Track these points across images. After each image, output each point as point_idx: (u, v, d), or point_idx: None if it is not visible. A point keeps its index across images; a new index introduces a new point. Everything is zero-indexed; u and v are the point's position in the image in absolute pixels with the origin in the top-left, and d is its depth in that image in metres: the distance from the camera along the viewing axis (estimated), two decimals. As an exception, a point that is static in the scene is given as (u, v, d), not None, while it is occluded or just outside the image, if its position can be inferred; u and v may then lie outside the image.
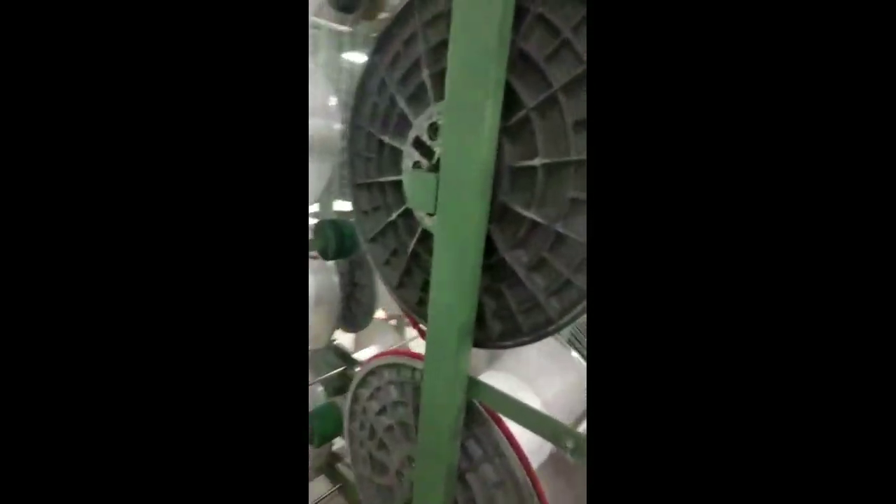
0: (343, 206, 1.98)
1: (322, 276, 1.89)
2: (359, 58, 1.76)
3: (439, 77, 0.78)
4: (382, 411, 1.26)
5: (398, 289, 0.96)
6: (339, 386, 2.25)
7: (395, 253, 0.94)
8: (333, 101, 1.54)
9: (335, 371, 2.14)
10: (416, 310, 0.95)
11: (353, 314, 2.08)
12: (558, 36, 0.65)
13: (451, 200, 0.73)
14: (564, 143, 0.66)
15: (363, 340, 2.71)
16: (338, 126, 1.54)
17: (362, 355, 2.45)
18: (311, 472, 2.54)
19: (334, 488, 2.45)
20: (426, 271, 0.89)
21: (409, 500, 1.19)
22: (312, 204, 1.80)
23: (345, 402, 1.46)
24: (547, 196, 0.69)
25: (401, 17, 0.84)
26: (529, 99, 0.68)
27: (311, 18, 1.55)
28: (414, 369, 1.15)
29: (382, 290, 2.02)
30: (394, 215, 0.90)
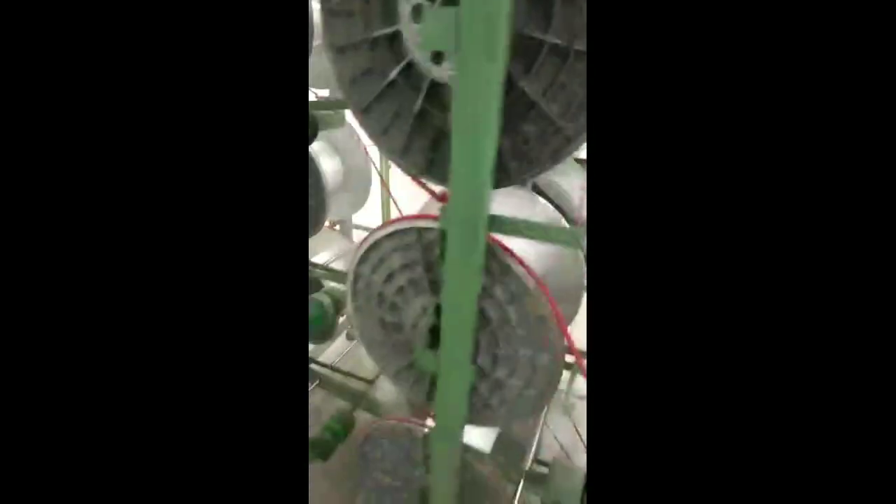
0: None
1: None
2: None
3: None
4: (390, 278, 1.33)
5: (404, 155, 0.96)
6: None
7: (396, 117, 0.93)
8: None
9: None
10: (425, 172, 0.98)
11: (314, 220, 1.99)
12: None
13: (474, 35, 0.71)
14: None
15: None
16: None
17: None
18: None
19: (313, 385, 2.60)
20: (434, 128, 0.90)
21: (429, 344, 1.34)
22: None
23: (346, 286, 1.48)
24: (563, 20, 0.72)
25: None
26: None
27: None
28: (419, 230, 1.21)
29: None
30: (393, 74, 0.87)
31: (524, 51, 0.76)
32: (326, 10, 0.86)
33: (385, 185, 2.34)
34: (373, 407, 2.37)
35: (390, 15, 0.82)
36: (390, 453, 1.83)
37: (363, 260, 1.34)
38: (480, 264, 1.04)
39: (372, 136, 0.97)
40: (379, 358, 1.55)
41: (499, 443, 1.85)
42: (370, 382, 2.79)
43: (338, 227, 2.64)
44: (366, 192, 2.28)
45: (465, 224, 0.97)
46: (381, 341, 1.50)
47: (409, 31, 0.81)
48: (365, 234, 2.88)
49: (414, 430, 1.64)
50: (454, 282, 1.11)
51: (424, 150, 0.93)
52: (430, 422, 1.77)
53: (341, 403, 2.50)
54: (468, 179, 0.89)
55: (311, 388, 2.56)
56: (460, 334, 1.22)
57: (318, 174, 1.84)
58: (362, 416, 2.38)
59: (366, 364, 2.92)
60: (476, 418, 1.41)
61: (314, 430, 2.31)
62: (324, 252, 2.52)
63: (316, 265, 2.24)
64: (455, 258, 1.06)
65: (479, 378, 1.32)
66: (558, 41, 0.73)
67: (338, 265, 2.32)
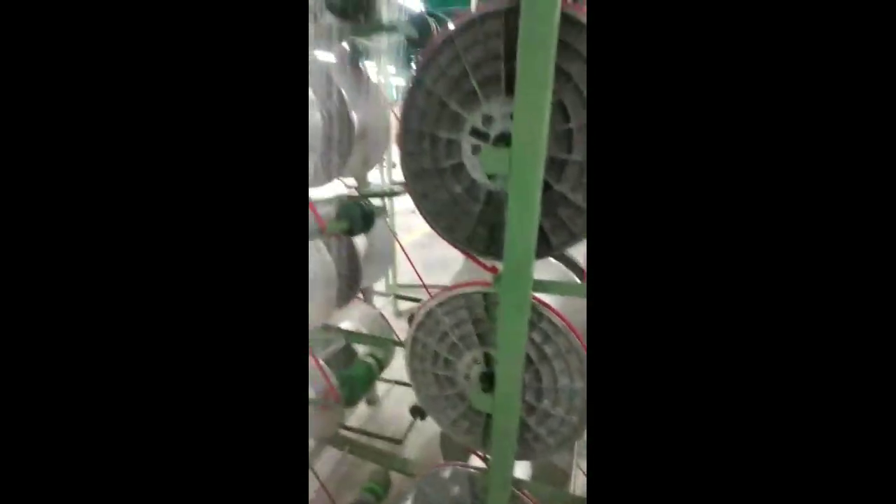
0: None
1: (316, 260, 1.92)
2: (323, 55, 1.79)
3: (485, 82, 1.03)
4: (443, 337, 1.54)
5: (466, 242, 1.23)
6: (345, 359, 2.36)
7: (460, 217, 1.20)
8: (310, 95, 1.57)
9: (339, 346, 2.23)
10: (482, 254, 1.24)
11: (351, 289, 2.19)
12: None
13: (522, 163, 1.01)
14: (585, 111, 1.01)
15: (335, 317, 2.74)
16: (316, 117, 1.59)
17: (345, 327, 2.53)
18: (317, 448, 2.65)
19: (345, 451, 2.63)
20: (489, 224, 1.19)
21: (483, 388, 1.53)
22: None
23: (405, 351, 1.64)
24: (579, 144, 1.04)
25: (439, 49, 1.05)
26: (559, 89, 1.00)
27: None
28: (465, 295, 1.43)
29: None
30: (458, 189, 1.16)
31: (555, 166, 1.07)
32: (404, 151, 1.16)
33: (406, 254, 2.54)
34: (405, 466, 2.42)
35: (454, 151, 1.12)
36: (439, 501, 1.89)
37: (420, 326, 1.55)
38: (528, 318, 1.29)
39: (440, 231, 1.24)
40: (435, 412, 1.68)
41: (542, 471, 1.99)
42: (398, 442, 2.82)
43: (360, 294, 2.80)
44: (387, 263, 2.51)
45: (517, 288, 1.22)
46: (436, 395, 1.66)
47: (470, 162, 1.11)
48: (383, 299, 3.01)
49: (463, 472, 1.76)
50: (506, 334, 1.34)
51: (483, 239, 1.20)
52: (478, 462, 1.90)
53: (372, 466, 2.54)
54: (519, 256, 1.16)
55: (343, 453, 2.59)
56: (512, 375, 1.42)
57: (353, 247, 2.08)
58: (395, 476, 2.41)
59: (388, 427, 2.97)
60: (529, 453, 1.55)
61: (352, 495, 2.32)
62: (346, 321, 2.65)
63: (344, 331, 2.37)
64: (507, 316, 1.30)
65: (528, 412, 1.50)
66: (578, 159, 1.05)
67: (364, 330, 2.46)
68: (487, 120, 1.06)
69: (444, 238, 1.24)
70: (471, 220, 1.19)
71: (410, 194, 1.21)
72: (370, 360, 2.05)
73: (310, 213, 1.57)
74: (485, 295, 1.39)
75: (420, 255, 2.62)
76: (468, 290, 1.40)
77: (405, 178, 1.18)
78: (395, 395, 3.23)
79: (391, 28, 1.53)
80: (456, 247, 1.25)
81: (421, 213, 1.23)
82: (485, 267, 1.30)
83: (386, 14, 1.60)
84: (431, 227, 1.23)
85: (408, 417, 2.43)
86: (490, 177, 1.10)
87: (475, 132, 1.08)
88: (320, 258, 1.96)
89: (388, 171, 3.48)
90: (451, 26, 1.03)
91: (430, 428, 2.79)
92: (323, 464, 2.59)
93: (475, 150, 1.10)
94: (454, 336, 1.52)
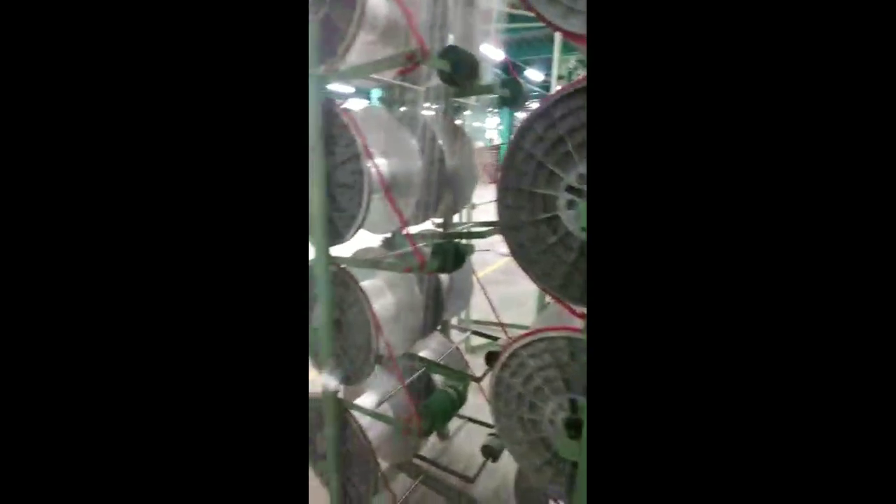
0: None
1: (406, 289, 2.10)
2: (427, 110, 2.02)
3: (579, 147, 1.13)
4: (528, 380, 1.56)
5: (560, 290, 1.29)
6: (423, 387, 2.46)
7: (554, 265, 1.27)
8: (414, 144, 1.77)
9: (420, 372, 2.34)
10: (577, 301, 1.28)
11: (434, 321, 2.32)
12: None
13: None
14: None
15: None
16: (418, 163, 1.78)
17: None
18: (391, 471, 2.73)
19: (417, 481, 2.68)
20: (583, 271, 1.24)
21: (570, 435, 1.51)
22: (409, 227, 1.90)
23: (489, 391, 1.69)
24: None
25: (536, 118, 1.16)
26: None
27: (390, 80, 1.78)
28: (547, 339, 1.44)
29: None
30: (554, 239, 1.24)
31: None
32: (502, 205, 1.27)
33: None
34: (473, 505, 2.38)
35: (549, 205, 1.21)
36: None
37: (504, 367, 1.59)
38: (619, 366, 1.29)
39: (535, 277, 1.31)
40: (520, 456, 1.68)
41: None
42: (471, 481, 2.81)
43: (439, 326, 2.92)
44: (467, 299, 2.62)
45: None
46: (520, 439, 1.65)
47: (564, 215, 1.19)
48: (458, 334, 3.07)
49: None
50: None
51: (577, 286, 1.25)
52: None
53: (441, 501, 2.54)
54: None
55: (413, 483, 2.65)
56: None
57: (438, 281, 2.23)
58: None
59: (457, 464, 2.96)
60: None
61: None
62: (425, 350, 2.76)
63: (424, 359, 2.47)
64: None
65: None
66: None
67: (441, 361, 2.55)
68: (581, 178, 1.13)
69: (538, 285, 1.31)
70: (565, 268, 1.25)
71: (508, 244, 1.30)
72: (451, 391, 2.11)
73: (411, 248, 1.72)
74: (569, 340, 1.41)
75: (493, 291, 2.68)
76: (552, 334, 1.43)
77: (503, 229, 1.28)
78: (466, 432, 3.23)
79: (488, 90, 1.69)
80: (550, 293, 1.30)
81: (518, 262, 1.31)
82: (574, 313, 1.34)
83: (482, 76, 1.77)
84: (528, 274, 1.31)
85: (478, 456, 2.43)
86: (583, 229, 1.16)
87: (570, 188, 1.16)
88: (410, 290, 2.12)
89: (468, 213, 3.64)
90: (547, 98, 1.14)
91: (501, 470, 2.75)
92: (394, 489, 2.66)
93: (570, 204, 1.17)
94: (539, 379, 1.54)
